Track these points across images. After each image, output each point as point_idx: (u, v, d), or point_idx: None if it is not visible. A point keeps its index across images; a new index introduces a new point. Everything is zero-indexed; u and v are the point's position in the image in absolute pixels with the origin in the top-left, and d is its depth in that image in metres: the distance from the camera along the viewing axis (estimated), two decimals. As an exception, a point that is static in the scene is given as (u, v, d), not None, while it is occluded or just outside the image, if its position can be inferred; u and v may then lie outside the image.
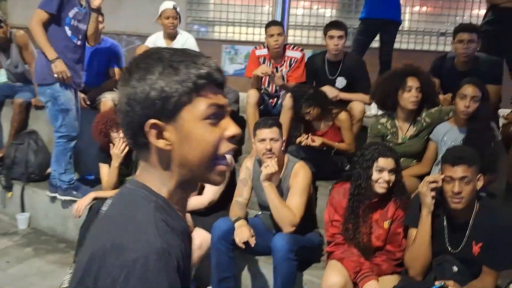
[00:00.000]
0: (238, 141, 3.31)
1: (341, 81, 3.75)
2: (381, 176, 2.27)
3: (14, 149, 3.93)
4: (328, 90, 3.52)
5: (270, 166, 2.48)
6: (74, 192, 3.47)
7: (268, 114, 3.98)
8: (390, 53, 4.59)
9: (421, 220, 2.12)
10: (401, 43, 7.06)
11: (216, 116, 0.83)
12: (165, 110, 0.80)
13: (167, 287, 0.73)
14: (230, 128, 0.85)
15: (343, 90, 3.74)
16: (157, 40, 4.25)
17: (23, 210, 3.87)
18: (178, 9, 4.11)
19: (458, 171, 2.00)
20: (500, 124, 3.38)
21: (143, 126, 0.81)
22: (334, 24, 3.70)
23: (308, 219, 2.67)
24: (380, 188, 2.28)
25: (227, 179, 2.95)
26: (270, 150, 2.55)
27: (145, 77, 0.80)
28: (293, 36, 7.23)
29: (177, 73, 0.80)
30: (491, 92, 3.16)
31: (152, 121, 0.81)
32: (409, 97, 2.79)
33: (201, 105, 0.82)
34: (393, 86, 2.84)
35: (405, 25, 7.16)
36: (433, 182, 2.09)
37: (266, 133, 2.56)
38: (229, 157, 0.89)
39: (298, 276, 2.63)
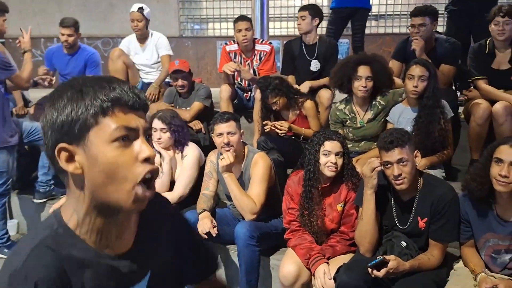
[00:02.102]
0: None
1: (315, 64, 3.86)
2: (328, 159, 2.35)
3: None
4: (302, 87, 3.65)
5: (226, 158, 2.57)
6: None
7: (243, 107, 4.10)
8: (362, 40, 4.66)
9: (365, 199, 2.20)
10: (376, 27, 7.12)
11: (126, 138, 0.83)
12: (73, 134, 0.82)
13: None
14: (142, 150, 0.84)
15: (316, 73, 3.84)
16: (130, 43, 4.35)
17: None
18: (145, 12, 4.17)
19: (393, 155, 2.08)
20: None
21: (55, 150, 0.83)
22: (303, 7, 3.86)
23: (272, 206, 2.75)
24: (328, 171, 2.36)
25: (197, 174, 3.05)
26: (228, 143, 2.64)
27: (55, 103, 0.83)
28: (273, 28, 7.30)
29: (84, 97, 0.82)
30: (445, 71, 3.24)
31: (61, 145, 0.82)
32: (358, 86, 2.89)
33: (107, 127, 0.82)
34: (346, 75, 2.94)
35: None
36: (377, 166, 2.16)
37: (223, 127, 2.65)
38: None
39: (266, 261, 2.74)
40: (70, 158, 0.83)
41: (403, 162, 2.08)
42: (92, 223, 0.88)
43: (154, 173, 0.87)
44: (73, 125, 0.82)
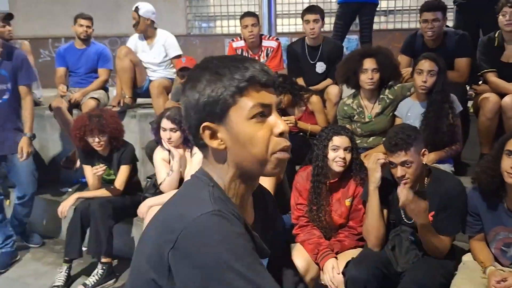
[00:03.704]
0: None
1: (320, 66, 3.83)
2: (337, 154, 2.35)
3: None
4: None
5: None
6: None
7: (250, 104, 4.09)
8: (369, 35, 4.63)
9: (370, 194, 2.19)
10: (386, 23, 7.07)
11: (262, 114, 0.90)
12: (215, 113, 0.90)
13: (222, 238, 0.81)
14: (277, 125, 0.91)
15: (322, 74, 3.82)
16: (137, 41, 4.37)
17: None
18: (142, 11, 4.16)
19: (397, 157, 2.08)
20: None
21: (199, 129, 0.92)
22: (309, 9, 3.78)
23: (280, 202, 2.74)
24: (337, 166, 2.36)
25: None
26: None
27: (195, 86, 0.91)
28: (281, 25, 7.28)
29: (222, 78, 0.89)
30: (461, 65, 3.22)
31: (205, 124, 0.91)
32: (365, 78, 2.88)
33: (245, 106, 0.89)
34: (352, 68, 2.92)
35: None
36: (381, 158, 2.16)
37: None
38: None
39: (274, 258, 2.73)
40: (213, 135, 0.92)
41: (407, 164, 2.07)
42: (237, 189, 0.96)
43: (289, 148, 0.93)
44: (214, 105, 0.89)
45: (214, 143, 0.92)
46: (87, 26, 4.32)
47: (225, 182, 0.95)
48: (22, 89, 3.32)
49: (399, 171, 2.08)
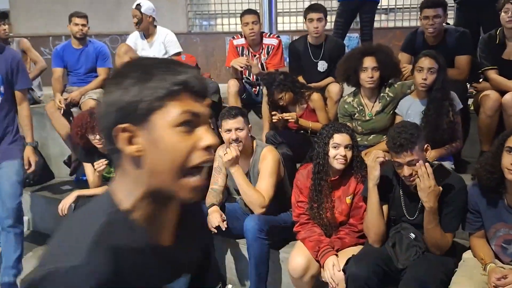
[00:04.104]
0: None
1: (322, 65, 3.83)
2: (337, 152, 2.35)
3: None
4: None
5: (229, 153, 2.58)
6: None
7: (252, 102, 4.09)
8: (370, 33, 4.63)
9: (369, 191, 2.21)
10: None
11: (190, 124, 0.82)
12: (137, 115, 0.80)
13: None
14: (205, 137, 0.83)
15: (324, 73, 3.82)
16: (137, 38, 4.37)
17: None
18: (143, 8, 4.15)
19: (403, 157, 2.08)
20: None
21: (115, 130, 0.81)
22: (312, 7, 3.77)
23: (281, 200, 2.76)
24: (338, 164, 2.36)
25: (208, 169, 3.06)
26: (237, 139, 2.65)
27: (121, 82, 0.81)
28: (282, 23, 7.27)
29: (152, 79, 0.81)
30: (461, 63, 3.22)
31: (123, 125, 0.80)
32: (365, 77, 2.88)
33: (173, 111, 0.80)
34: (352, 67, 2.93)
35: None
36: (380, 156, 2.17)
37: (231, 123, 2.65)
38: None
39: (275, 254, 2.75)
40: (131, 139, 0.81)
41: (413, 163, 2.07)
42: (146, 208, 0.85)
43: (209, 163, 0.84)
44: (138, 106, 0.80)
45: (130, 149, 0.81)
46: (83, 25, 4.24)
47: (136, 199, 0.84)
48: (18, 94, 3.02)
49: (406, 171, 2.09)
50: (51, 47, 7.50)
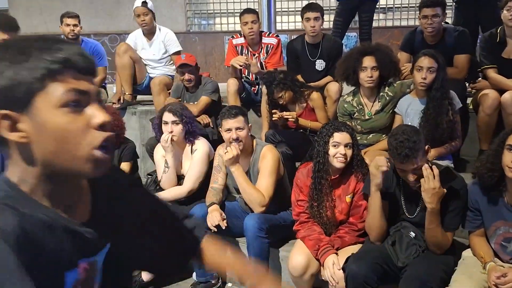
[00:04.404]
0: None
1: (320, 64, 3.84)
2: (337, 150, 2.36)
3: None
4: None
5: (229, 151, 2.58)
6: None
7: (251, 102, 4.09)
8: (369, 32, 4.64)
9: (371, 195, 2.21)
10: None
11: (77, 103, 0.77)
12: (16, 99, 0.74)
13: None
14: (96, 115, 0.78)
15: (322, 72, 3.83)
16: (137, 38, 4.36)
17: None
18: (150, 5, 4.16)
19: (408, 166, 2.08)
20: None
21: None
22: (309, 7, 3.77)
23: (281, 199, 2.76)
24: (338, 162, 2.36)
25: (207, 168, 3.06)
26: (237, 139, 2.65)
27: None
28: (281, 22, 7.28)
29: (28, 59, 0.74)
30: (460, 61, 3.23)
31: (2, 112, 0.74)
32: (364, 76, 2.89)
33: (56, 91, 0.75)
34: (352, 66, 2.94)
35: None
36: (383, 166, 2.15)
37: (231, 123, 2.66)
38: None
39: (275, 253, 2.75)
40: (13, 126, 0.75)
41: (418, 169, 2.08)
42: (45, 190, 0.81)
43: (111, 141, 0.80)
44: (16, 89, 0.74)
45: (13, 136, 0.75)
46: (74, 25, 4.26)
47: (31, 184, 0.79)
48: None
49: (411, 177, 2.10)
50: (49, 46, 7.50)
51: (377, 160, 2.17)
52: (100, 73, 4.34)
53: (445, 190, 2.04)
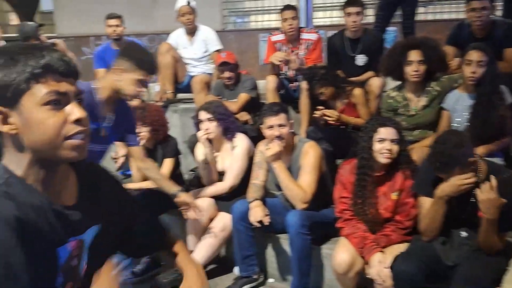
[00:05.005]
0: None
1: (361, 58, 3.78)
2: (383, 146, 2.31)
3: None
4: None
5: (271, 148, 2.58)
6: None
7: (290, 98, 4.07)
8: (412, 26, 4.54)
9: (436, 202, 2.13)
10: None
11: (56, 102, 0.92)
12: (7, 98, 0.91)
13: None
14: (73, 112, 0.94)
15: (363, 67, 3.76)
16: (178, 37, 4.43)
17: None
18: (192, 4, 4.23)
19: (441, 175, 2.07)
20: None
21: None
22: (351, 2, 3.72)
23: (323, 196, 2.73)
24: (383, 158, 2.32)
25: (247, 164, 3.07)
26: (279, 136, 2.64)
27: None
28: (318, 18, 7.20)
29: (16, 64, 0.90)
30: (510, 55, 3.11)
31: None
32: (410, 70, 2.82)
33: (39, 92, 0.91)
34: (397, 60, 2.87)
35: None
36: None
37: (274, 120, 2.65)
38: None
39: (317, 250, 2.73)
40: (5, 120, 0.92)
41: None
42: (37, 174, 0.97)
43: (86, 134, 0.96)
44: (6, 90, 0.90)
45: (5, 128, 0.92)
46: (116, 26, 4.38)
47: (24, 169, 0.96)
48: None
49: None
50: (92, 47, 7.69)
51: (459, 180, 2.05)
52: None
53: (504, 200, 1.95)
